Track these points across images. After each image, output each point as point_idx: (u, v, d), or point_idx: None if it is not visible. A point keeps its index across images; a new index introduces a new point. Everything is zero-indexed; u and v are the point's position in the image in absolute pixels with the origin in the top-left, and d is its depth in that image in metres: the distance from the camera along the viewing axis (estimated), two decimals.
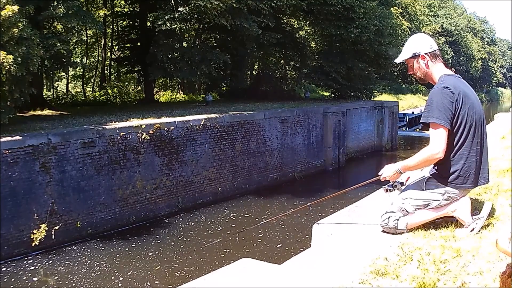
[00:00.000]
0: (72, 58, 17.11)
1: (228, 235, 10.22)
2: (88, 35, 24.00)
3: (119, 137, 10.48)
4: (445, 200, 2.82)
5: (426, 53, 2.87)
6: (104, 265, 8.67)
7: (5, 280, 7.94)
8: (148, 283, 7.98)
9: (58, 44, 11.04)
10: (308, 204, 3.78)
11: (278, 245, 9.65)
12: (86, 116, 12.52)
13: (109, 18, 22.60)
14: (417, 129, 28.43)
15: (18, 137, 8.93)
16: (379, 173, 2.97)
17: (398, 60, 3.04)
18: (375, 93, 25.47)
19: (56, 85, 26.19)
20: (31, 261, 8.69)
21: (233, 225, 11.06)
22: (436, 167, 2.88)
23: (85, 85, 25.04)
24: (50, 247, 9.12)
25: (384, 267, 2.42)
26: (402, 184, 3.03)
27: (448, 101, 2.69)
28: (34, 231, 8.89)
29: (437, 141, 2.69)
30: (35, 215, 8.96)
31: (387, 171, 2.92)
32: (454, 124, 2.73)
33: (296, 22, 24.22)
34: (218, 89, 23.42)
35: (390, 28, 21.90)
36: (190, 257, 9.11)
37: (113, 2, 22.24)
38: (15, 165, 8.73)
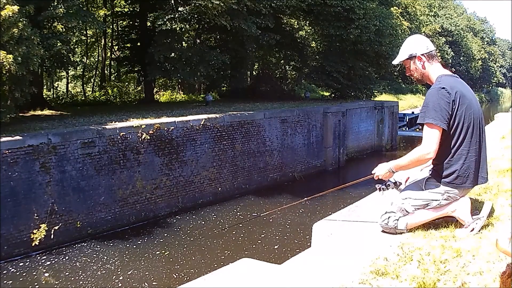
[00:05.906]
0: (72, 58, 17.12)
1: (229, 236, 10.21)
2: (88, 35, 24.01)
3: (119, 137, 10.48)
4: (445, 200, 2.83)
5: (422, 54, 2.88)
6: (104, 265, 8.66)
7: (5, 280, 7.94)
8: (146, 283, 7.98)
9: (59, 44, 11.03)
10: (305, 198, 3.87)
11: (278, 245, 9.65)
12: (86, 116, 12.52)
13: (109, 18, 22.60)
14: (417, 129, 28.35)
15: (18, 137, 8.93)
16: (372, 172, 2.98)
17: (395, 61, 3.06)
18: (375, 93, 25.45)
19: (56, 85, 26.22)
20: (31, 261, 8.69)
21: (233, 225, 11.04)
22: (435, 167, 2.88)
23: (85, 85, 25.06)
24: (50, 247, 9.12)
25: (384, 267, 2.42)
26: (395, 183, 3.04)
27: (444, 101, 2.69)
28: (34, 231, 8.90)
29: (429, 141, 2.70)
30: (35, 215, 8.96)
31: (379, 170, 2.94)
32: (452, 125, 2.73)
33: (296, 22, 24.20)
34: (218, 89, 23.44)
35: (390, 28, 21.88)
36: (191, 257, 9.11)
37: (113, 2, 22.24)
38: (15, 165, 8.73)
